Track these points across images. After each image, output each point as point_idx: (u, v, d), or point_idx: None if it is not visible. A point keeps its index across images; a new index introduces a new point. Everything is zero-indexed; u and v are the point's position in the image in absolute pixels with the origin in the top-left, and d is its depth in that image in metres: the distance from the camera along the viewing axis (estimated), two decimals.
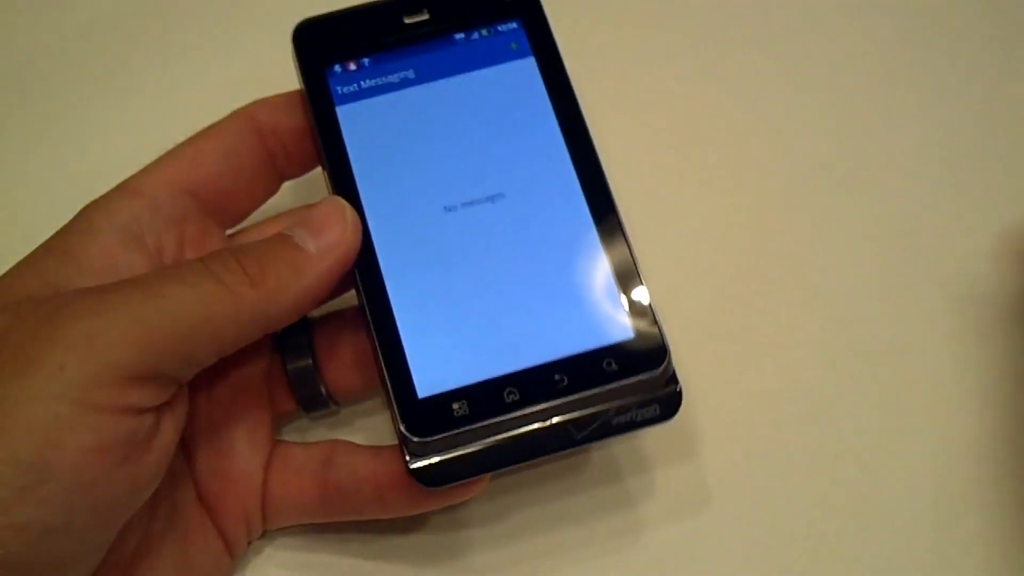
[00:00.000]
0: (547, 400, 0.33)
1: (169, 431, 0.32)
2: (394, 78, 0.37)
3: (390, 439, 0.35)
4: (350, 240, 0.34)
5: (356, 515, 0.37)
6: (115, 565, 0.33)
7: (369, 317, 0.34)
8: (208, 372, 0.34)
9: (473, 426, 0.33)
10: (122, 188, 0.35)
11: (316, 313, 0.39)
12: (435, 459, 0.33)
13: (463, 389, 0.33)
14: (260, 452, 0.37)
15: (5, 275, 0.33)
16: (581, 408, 0.33)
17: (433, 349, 0.34)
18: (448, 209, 0.36)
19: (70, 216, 0.35)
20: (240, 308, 0.31)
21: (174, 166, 0.36)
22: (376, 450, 0.36)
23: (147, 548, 0.34)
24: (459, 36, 0.38)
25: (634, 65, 0.49)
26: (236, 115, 0.37)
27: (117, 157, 0.37)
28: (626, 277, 0.35)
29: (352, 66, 0.37)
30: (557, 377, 0.34)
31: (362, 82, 0.37)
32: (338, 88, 0.37)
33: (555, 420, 0.33)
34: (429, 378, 0.34)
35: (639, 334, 0.34)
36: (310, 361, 0.39)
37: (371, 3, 0.38)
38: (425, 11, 0.38)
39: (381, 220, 0.35)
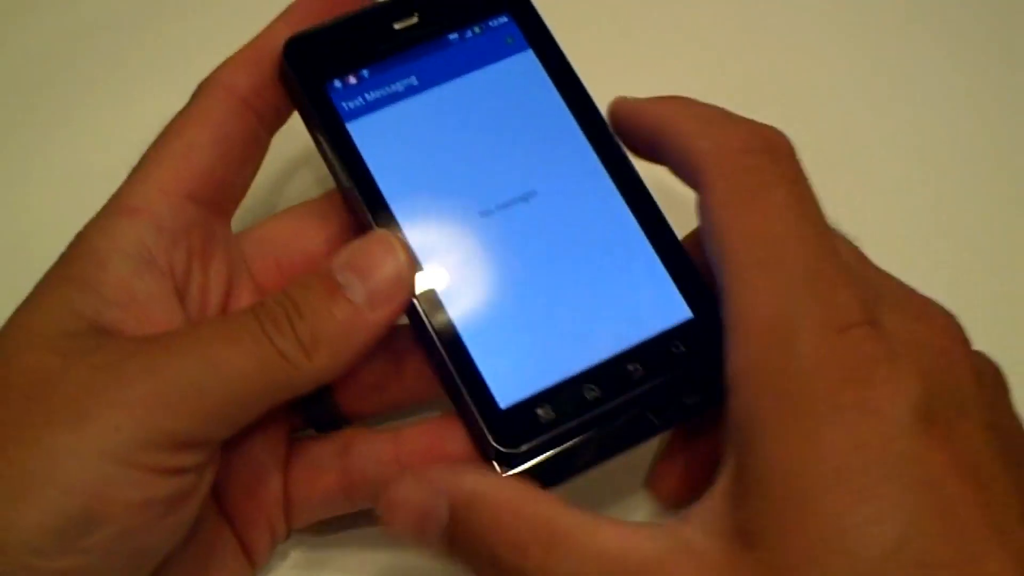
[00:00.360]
0: (626, 392, 0.34)
1: (208, 482, 0.32)
2: (398, 87, 0.36)
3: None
4: (404, 286, 0.33)
5: None
6: None
7: (434, 336, 0.34)
8: None
9: (561, 428, 0.33)
10: (119, 206, 0.34)
11: None
12: (527, 467, 0.33)
13: (544, 393, 0.33)
14: (277, 457, 0.36)
15: (27, 305, 0.32)
16: (658, 395, 0.34)
17: (504, 358, 0.34)
18: (484, 214, 0.35)
19: (71, 216, 0.34)
20: (296, 377, 0.31)
21: (167, 170, 0.34)
22: (394, 433, 0.35)
23: (164, 566, 0.33)
24: (452, 37, 0.37)
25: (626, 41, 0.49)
26: (209, 89, 0.35)
27: (118, 157, 0.36)
28: (674, 256, 0.35)
29: (352, 79, 0.36)
30: (631, 367, 0.34)
31: (366, 95, 0.36)
32: (343, 104, 0.36)
33: (636, 410, 0.34)
34: (507, 388, 0.33)
35: (698, 313, 0.35)
36: (324, 390, 0.37)
37: (358, 12, 0.37)
38: (414, 15, 0.37)
39: (421, 235, 0.35)
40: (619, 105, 0.36)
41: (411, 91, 0.36)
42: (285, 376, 0.31)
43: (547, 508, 0.30)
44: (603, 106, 0.37)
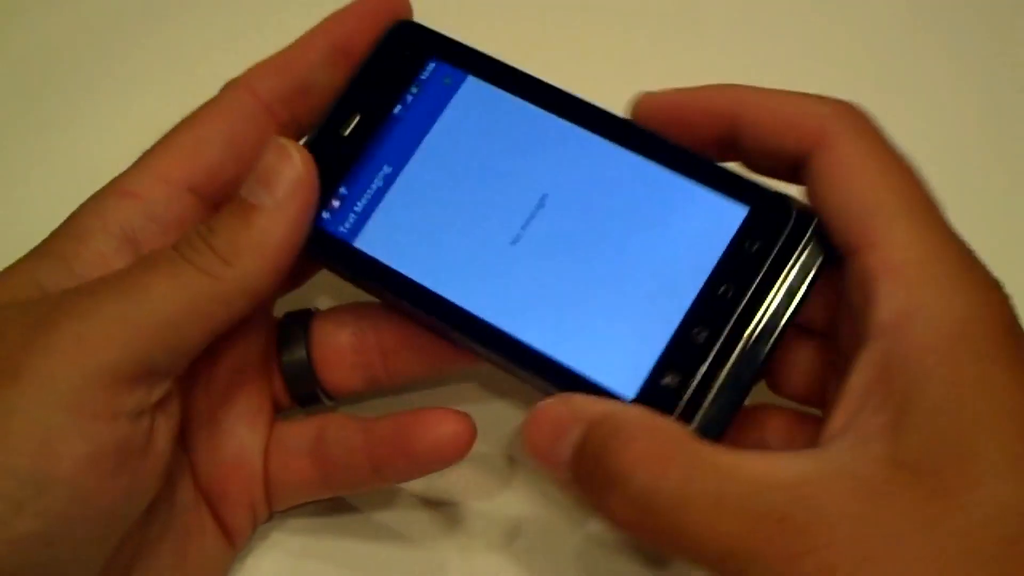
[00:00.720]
0: (730, 315, 0.32)
1: (164, 436, 0.32)
2: (378, 183, 0.36)
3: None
4: (304, 179, 0.33)
5: (358, 489, 0.38)
6: (111, 572, 0.32)
7: (534, 374, 0.33)
8: (205, 359, 0.34)
9: (692, 387, 0.32)
10: (116, 188, 0.34)
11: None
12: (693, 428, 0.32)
13: (659, 363, 0.32)
14: (260, 437, 0.37)
15: None
16: (763, 301, 0.32)
17: (604, 355, 0.33)
18: (515, 241, 0.35)
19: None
20: (221, 288, 0.31)
21: (172, 159, 0.35)
22: (368, 422, 0.36)
23: (144, 551, 0.34)
24: (397, 110, 0.37)
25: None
26: (235, 89, 0.36)
27: (117, 157, 0.36)
28: (697, 167, 0.34)
29: (335, 203, 0.36)
30: (721, 290, 0.33)
31: (354, 209, 0.36)
32: (339, 229, 0.36)
33: (751, 328, 0.32)
34: (624, 379, 0.32)
35: (752, 202, 0.33)
36: (304, 356, 0.38)
37: (309, 137, 0.37)
38: (354, 114, 0.37)
39: (470, 294, 0.34)
40: (662, 99, 0.35)
41: (390, 179, 0.36)
42: (207, 288, 0.31)
43: (684, 434, 0.29)
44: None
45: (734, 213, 0.33)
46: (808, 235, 0.33)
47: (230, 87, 0.36)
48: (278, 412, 0.39)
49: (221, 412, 0.36)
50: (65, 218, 0.34)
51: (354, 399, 0.41)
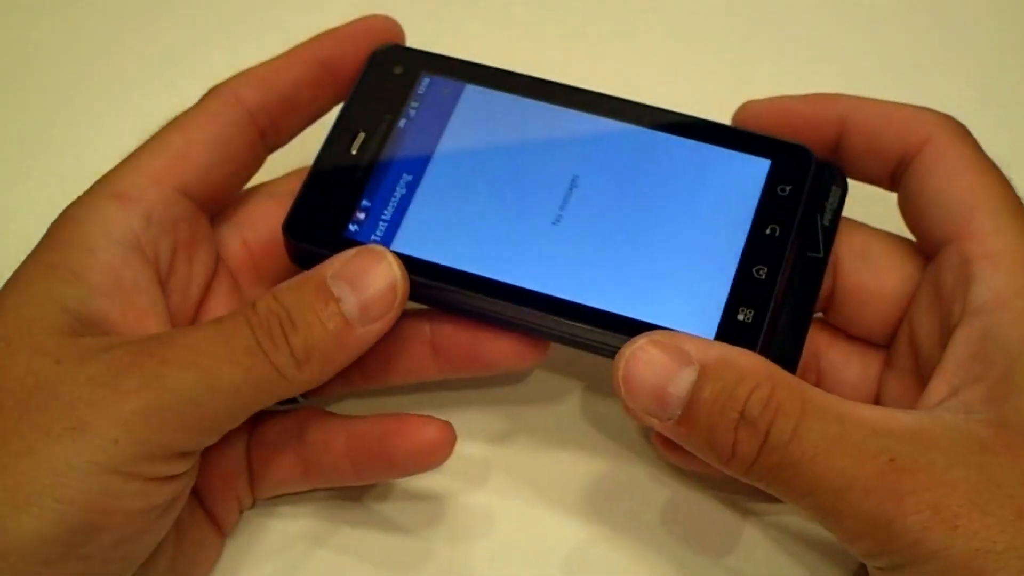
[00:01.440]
0: (783, 250, 0.35)
1: (193, 480, 0.33)
2: (401, 190, 0.37)
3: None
4: (396, 304, 0.33)
5: (337, 485, 0.38)
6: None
7: (613, 338, 0.34)
8: None
9: (768, 314, 0.34)
10: (110, 191, 0.34)
11: None
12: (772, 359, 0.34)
13: (730, 301, 0.34)
14: (242, 434, 0.37)
15: (11, 296, 0.32)
16: (805, 232, 0.35)
17: (673, 304, 0.34)
18: (556, 222, 0.36)
19: None
20: (284, 388, 0.32)
21: (163, 161, 0.35)
22: (350, 422, 0.36)
23: None
24: (402, 123, 0.38)
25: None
26: (219, 95, 0.36)
27: (117, 157, 0.36)
28: (716, 132, 0.37)
29: (361, 216, 0.36)
30: (768, 231, 0.35)
31: (382, 218, 0.36)
32: (372, 239, 0.36)
33: (801, 258, 0.35)
34: (700, 322, 0.34)
35: (774, 152, 0.36)
36: None
37: (316, 162, 0.37)
38: (358, 132, 0.37)
39: (528, 276, 0.35)
40: (768, 106, 0.37)
41: (412, 186, 0.37)
42: (276, 387, 0.32)
43: (798, 380, 0.31)
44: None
45: (759, 166, 0.36)
46: (830, 172, 0.36)
47: (215, 93, 0.36)
48: None
49: None
50: (57, 218, 0.34)
51: (333, 400, 0.41)
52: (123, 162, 0.35)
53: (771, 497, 0.32)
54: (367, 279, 0.33)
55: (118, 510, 0.30)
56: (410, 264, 0.35)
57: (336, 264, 0.33)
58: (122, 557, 0.31)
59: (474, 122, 0.38)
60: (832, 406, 0.30)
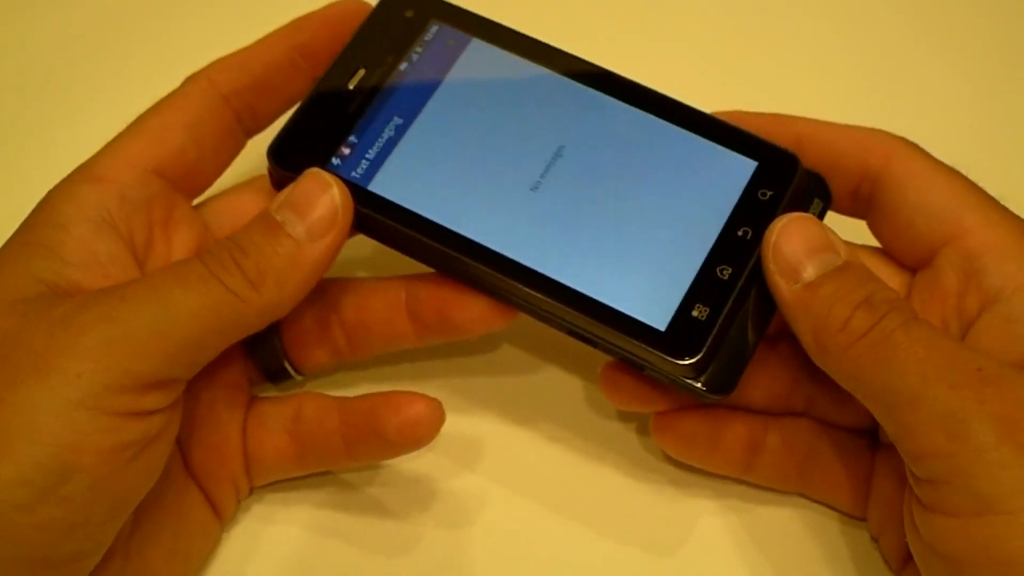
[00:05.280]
0: (751, 254, 0.34)
1: (174, 425, 0.33)
2: (389, 132, 0.37)
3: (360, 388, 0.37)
4: (340, 219, 0.34)
5: (331, 467, 0.39)
6: (114, 548, 0.33)
7: (565, 311, 0.34)
8: None
9: (722, 316, 0.34)
10: (86, 174, 0.35)
11: None
12: (714, 367, 0.34)
13: (688, 296, 0.34)
14: (238, 413, 0.38)
15: None
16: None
17: (633, 288, 0.34)
18: (535, 187, 0.36)
19: None
20: (245, 312, 0.33)
21: (137, 144, 0.36)
22: (343, 402, 0.37)
23: (140, 523, 0.35)
24: (403, 66, 0.38)
25: None
26: (195, 81, 0.37)
27: None
28: (709, 126, 0.37)
29: (346, 151, 0.36)
30: (740, 232, 0.35)
31: (366, 156, 0.36)
32: (353, 174, 0.36)
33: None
34: (654, 311, 0.34)
35: (763, 154, 0.36)
36: (272, 333, 0.39)
37: (312, 91, 0.37)
38: (358, 68, 0.38)
39: (496, 236, 0.35)
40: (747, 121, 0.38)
41: (401, 129, 0.37)
42: (235, 311, 0.32)
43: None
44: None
45: (745, 166, 0.36)
46: (815, 183, 0.36)
47: (191, 79, 0.37)
48: (251, 387, 0.39)
49: (200, 390, 0.37)
50: (36, 205, 0.35)
51: (324, 373, 0.41)
52: (102, 149, 0.36)
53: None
54: (309, 202, 0.34)
55: (89, 447, 0.30)
56: (384, 207, 0.35)
57: (280, 197, 0.34)
58: (101, 504, 0.31)
59: (473, 77, 0.38)
60: (936, 328, 0.32)
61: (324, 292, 0.39)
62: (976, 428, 0.29)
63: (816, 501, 0.39)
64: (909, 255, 0.37)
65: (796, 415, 0.38)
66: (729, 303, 0.34)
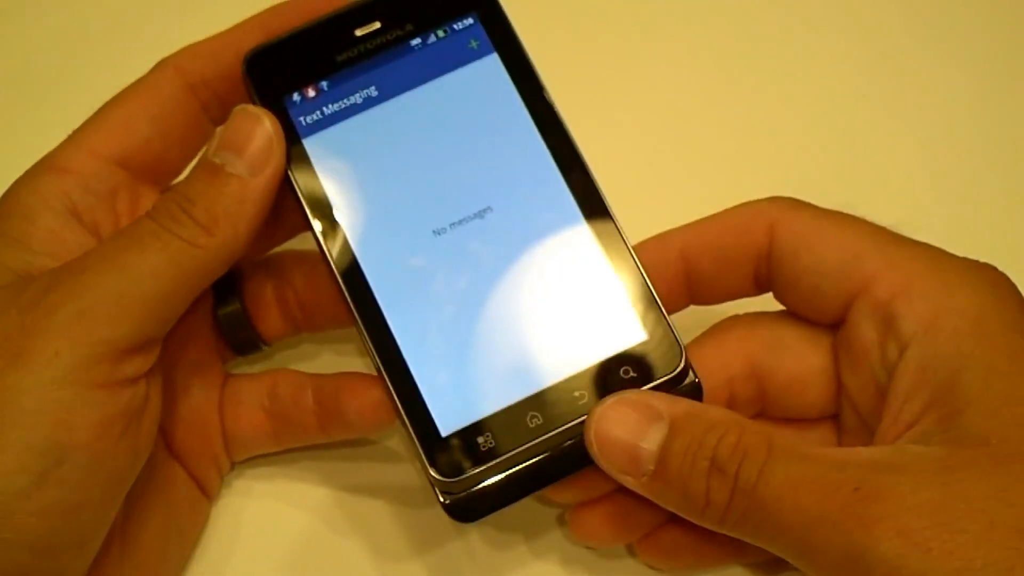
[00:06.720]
0: (571, 419, 0.33)
1: (156, 396, 0.34)
2: (357, 98, 0.36)
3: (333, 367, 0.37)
4: (276, 144, 0.34)
5: (306, 443, 0.39)
6: (111, 535, 0.33)
7: (377, 357, 0.34)
8: None
9: (501, 457, 0.33)
10: (48, 165, 0.35)
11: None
12: (467, 494, 0.33)
13: (486, 420, 0.33)
14: (213, 391, 0.38)
15: None
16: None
17: (448, 382, 0.34)
18: (437, 233, 0.35)
19: None
20: (205, 258, 0.33)
21: (102, 135, 0.36)
22: (315, 380, 0.38)
23: (132, 507, 0.35)
24: (415, 42, 0.36)
25: (604, 60, 0.48)
26: (163, 68, 0.37)
27: None
28: (630, 279, 0.34)
29: (311, 92, 0.36)
30: (577, 394, 0.33)
31: (324, 108, 0.36)
32: (301, 119, 0.36)
33: (577, 438, 0.33)
34: (449, 414, 0.33)
35: (652, 336, 0.34)
36: (239, 307, 0.39)
37: (320, 20, 0.36)
38: (376, 20, 0.36)
39: (371, 253, 0.35)
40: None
41: (370, 102, 0.36)
42: (195, 260, 0.33)
43: (764, 426, 0.32)
44: (573, 113, 0.36)
45: (632, 335, 0.34)
46: (683, 391, 0.34)
47: (159, 67, 0.36)
48: (224, 363, 0.40)
49: (174, 370, 0.37)
50: None
51: (291, 344, 0.43)
52: (66, 139, 0.36)
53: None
54: (244, 138, 0.34)
55: (79, 424, 0.30)
56: (300, 166, 0.35)
57: (214, 140, 0.34)
58: (97, 482, 0.31)
59: (468, 90, 0.36)
60: (796, 447, 0.31)
61: (280, 264, 0.39)
62: (874, 560, 0.28)
63: None
64: (822, 317, 0.35)
65: None
66: (519, 449, 0.33)
